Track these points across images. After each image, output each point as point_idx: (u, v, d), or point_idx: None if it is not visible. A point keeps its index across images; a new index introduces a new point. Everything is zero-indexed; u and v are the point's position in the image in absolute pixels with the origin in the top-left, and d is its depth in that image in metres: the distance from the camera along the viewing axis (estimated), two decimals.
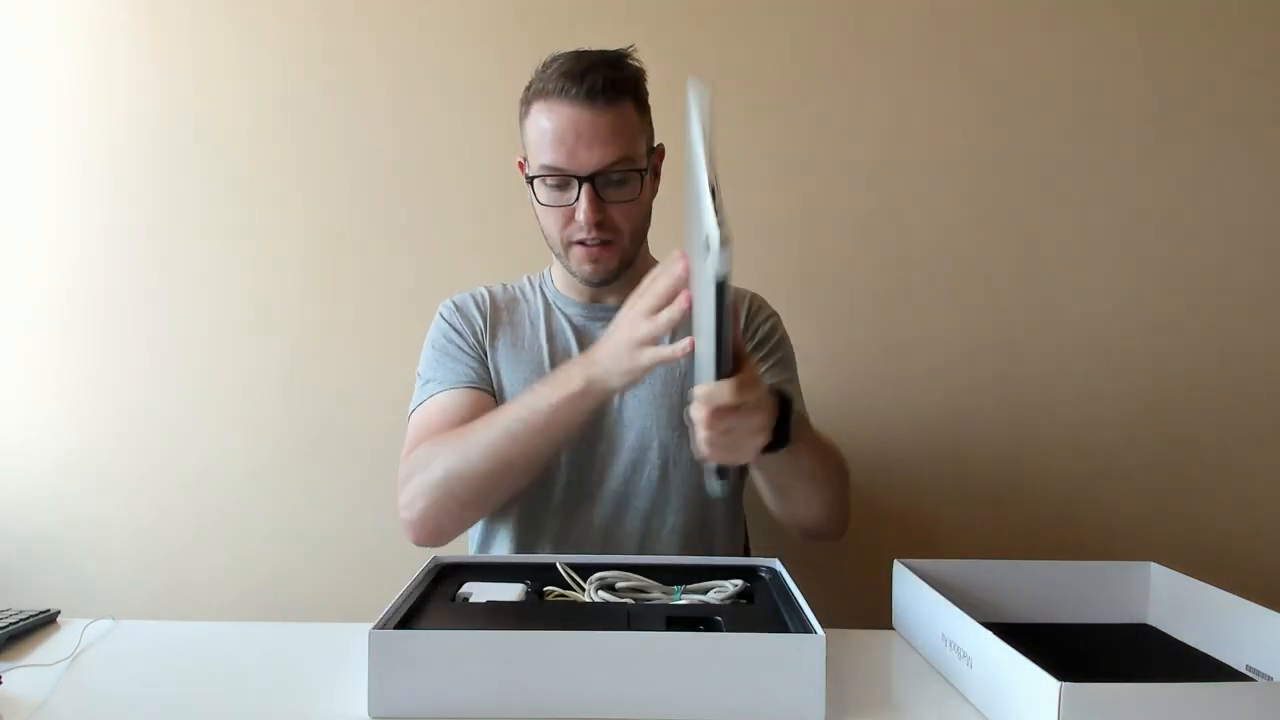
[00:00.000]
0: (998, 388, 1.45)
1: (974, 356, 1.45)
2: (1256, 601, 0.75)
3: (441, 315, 1.09)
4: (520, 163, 1.03)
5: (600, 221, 0.95)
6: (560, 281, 1.10)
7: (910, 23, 1.42)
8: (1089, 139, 1.43)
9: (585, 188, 0.93)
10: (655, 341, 0.79)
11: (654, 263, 1.11)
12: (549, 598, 0.80)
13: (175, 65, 1.44)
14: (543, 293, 1.11)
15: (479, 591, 0.79)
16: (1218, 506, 1.46)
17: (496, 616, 0.74)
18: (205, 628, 0.86)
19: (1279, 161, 1.43)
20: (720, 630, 0.71)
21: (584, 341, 1.05)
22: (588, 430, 1.01)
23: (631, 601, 0.78)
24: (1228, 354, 1.45)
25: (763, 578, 0.85)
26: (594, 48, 0.98)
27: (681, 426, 1.01)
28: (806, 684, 0.64)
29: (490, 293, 1.11)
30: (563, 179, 0.95)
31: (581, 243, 0.98)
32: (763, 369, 1.04)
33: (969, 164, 1.44)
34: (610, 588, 0.80)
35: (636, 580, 0.81)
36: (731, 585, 0.80)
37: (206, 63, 1.44)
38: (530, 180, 0.97)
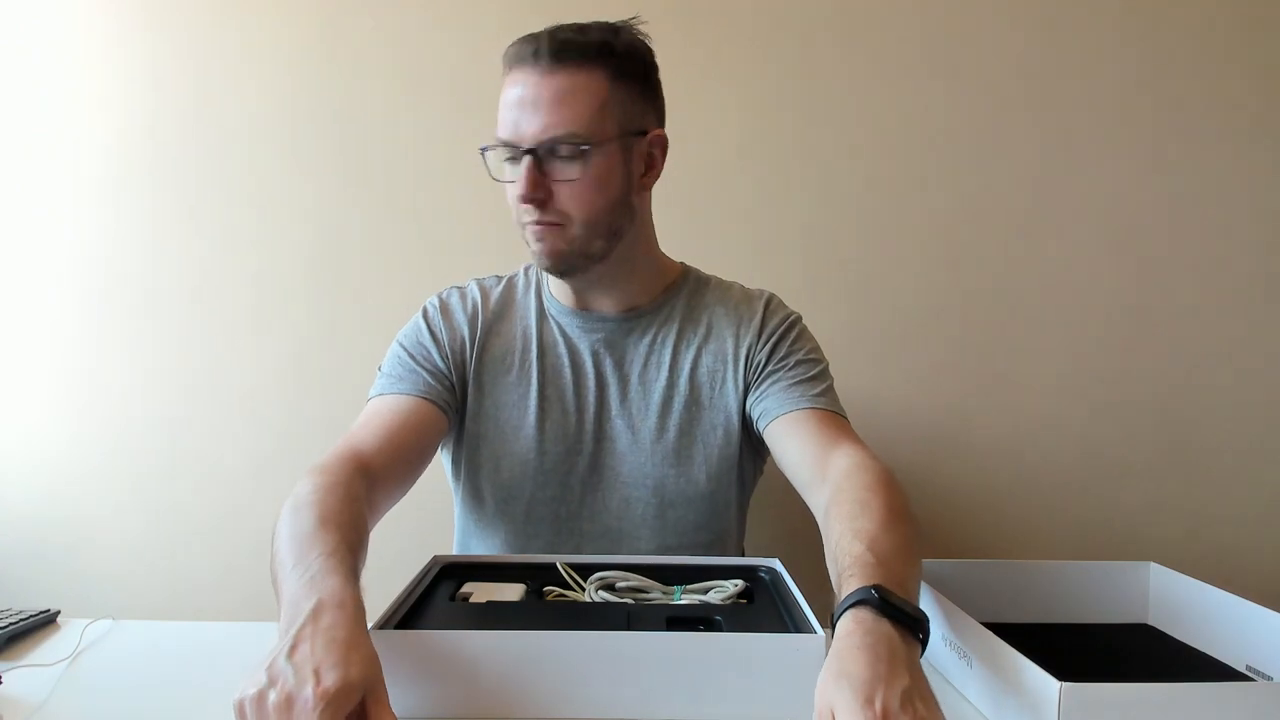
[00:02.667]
0: (997, 388, 1.45)
1: (973, 357, 1.45)
2: (1256, 601, 0.75)
3: (424, 313, 1.02)
4: None
5: (542, 201, 0.86)
6: (554, 281, 1.00)
7: (912, 21, 1.42)
8: (1089, 139, 1.43)
9: (527, 160, 0.85)
10: None
11: (667, 264, 1.04)
12: (549, 597, 0.80)
13: (176, 66, 1.44)
14: (537, 295, 1.03)
15: (479, 591, 0.79)
16: (1218, 506, 1.46)
17: (497, 616, 0.74)
18: (205, 628, 0.86)
19: (1278, 160, 1.43)
20: (720, 630, 0.71)
21: (576, 361, 0.99)
22: (578, 463, 0.97)
23: (631, 601, 0.78)
24: (1227, 353, 1.45)
25: (763, 578, 0.85)
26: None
27: (679, 464, 0.96)
28: (807, 684, 0.64)
29: (484, 293, 1.03)
30: (514, 152, 0.87)
31: (529, 225, 0.89)
32: (782, 373, 0.96)
33: (969, 163, 1.44)
34: (610, 588, 0.80)
35: (636, 580, 0.81)
36: (732, 585, 0.80)
37: (207, 63, 1.44)
38: (483, 152, 0.91)
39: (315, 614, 0.57)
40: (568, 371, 0.98)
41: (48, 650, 0.80)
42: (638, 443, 0.97)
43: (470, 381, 0.98)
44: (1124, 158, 1.44)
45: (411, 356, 0.97)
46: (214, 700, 0.70)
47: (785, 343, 0.98)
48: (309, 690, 0.52)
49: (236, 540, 1.46)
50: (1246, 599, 0.76)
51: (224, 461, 1.46)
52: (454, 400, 0.98)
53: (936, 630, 0.76)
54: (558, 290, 1.01)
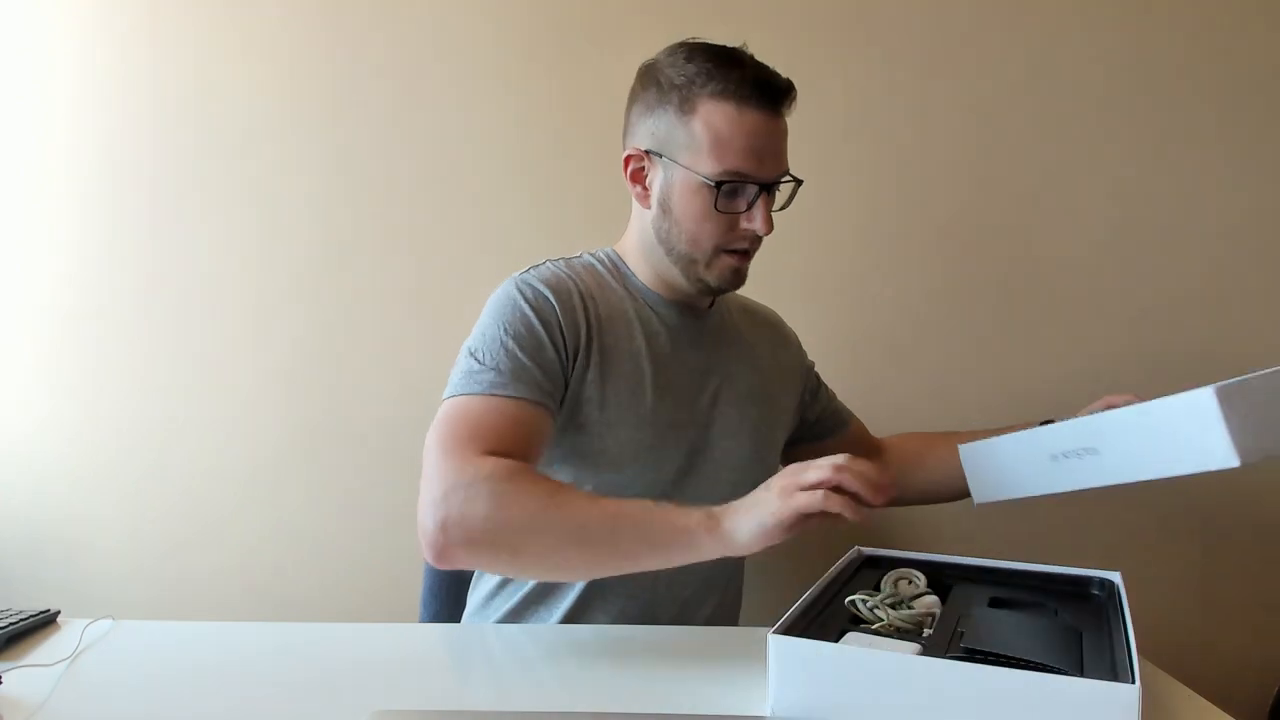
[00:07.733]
0: (997, 388, 1.45)
1: (973, 357, 1.45)
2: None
3: (525, 299, 0.92)
4: (630, 156, 0.95)
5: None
6: (647, 275, 0.99)
7: (913, 25, 1.42)
8: (1091, 139, 1.43)
9: (764, 197, 0.92)
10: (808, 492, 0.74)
11: None
12: None
13: (176, 66, 1.44)
14: (626, 287, 1.00)
15: None
16: (1217, 506, 1.46)
17: None
18: (205, 628, 0.86)
19: (1278, 163, 1.43)
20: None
21: (679, 345, 0.98)
22: (683, 447, 0.96)
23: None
24: (1227, 355, 1.45)
25: (1096, 595, 0.82)
26: (691, 43, 1.01)
27: (760, 447, 1.03)
28: None
29: (583, 279, 0.97)
30: (736, 185, 0.91)
31: (737, 251, 0.94)
32: (820, 388, 1.17)
33: (971, 165, 1.44)
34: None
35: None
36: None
37: (207, 64, 1.44)
38: (718, 185, 0.89)
39: (718, 515, 0.77)
40: (671, 358, 0.97)
41: (48, 650, 0.80)
42: (730, 430, 0.99)
43: (590, 369, 0.92)
44: (1125, 161, 1.43)
45: (527, 351, 0.89)
46: (214, 700, 0.70)
47: (806, 360, 1.17)
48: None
49: (236, 540, 1.46)
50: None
51: (224, 461, 1.46)
52: (561, 396, 0.92)
53: None
54: (656, 283, 0.99)
